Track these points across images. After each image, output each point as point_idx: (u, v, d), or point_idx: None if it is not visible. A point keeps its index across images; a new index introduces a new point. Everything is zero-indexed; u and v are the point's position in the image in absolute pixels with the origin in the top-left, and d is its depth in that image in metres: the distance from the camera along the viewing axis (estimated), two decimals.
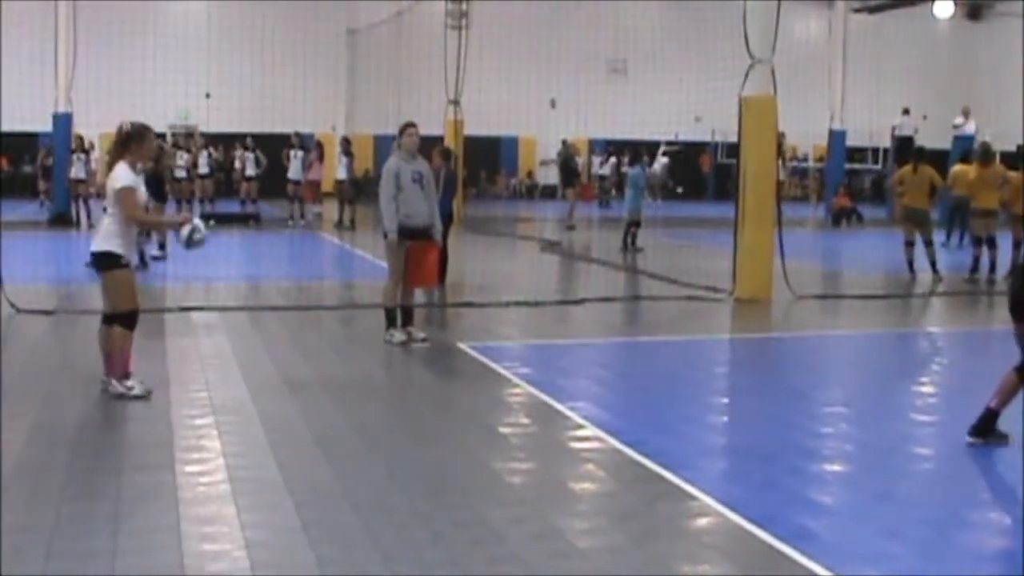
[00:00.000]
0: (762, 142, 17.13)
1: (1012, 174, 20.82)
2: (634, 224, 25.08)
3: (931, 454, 9.17)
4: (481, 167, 44.93)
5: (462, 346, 13.10)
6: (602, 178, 44.41)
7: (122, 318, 10.15)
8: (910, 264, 20.70)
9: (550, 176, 45.09)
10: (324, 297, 17.17)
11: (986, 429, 9.16)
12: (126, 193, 10.01)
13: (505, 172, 47.87)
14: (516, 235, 29.63)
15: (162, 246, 21.11)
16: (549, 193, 44.89)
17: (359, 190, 32.28)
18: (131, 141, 10.20)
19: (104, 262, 10.11)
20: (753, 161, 17.12)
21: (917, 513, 7.63)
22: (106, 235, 10.11)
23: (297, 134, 32.02)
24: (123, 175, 10.09)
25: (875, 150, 41.27)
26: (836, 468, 8.76)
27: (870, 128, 38.64)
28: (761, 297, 16.83)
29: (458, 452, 8.81)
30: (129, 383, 10.17)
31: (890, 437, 9.56)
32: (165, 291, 17.37)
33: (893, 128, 36.92)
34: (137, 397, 10.07)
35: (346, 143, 31.13)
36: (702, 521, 7.30)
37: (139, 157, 10.39)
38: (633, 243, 25.05)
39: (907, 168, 21.63)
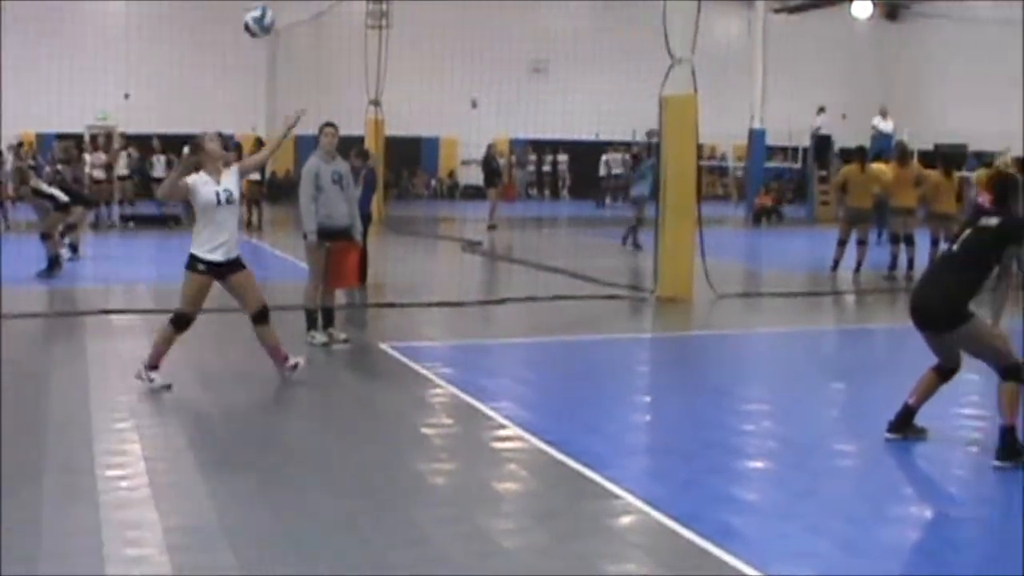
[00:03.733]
0: (682, 141, 17.18)
1: (929, 173, 21.08)
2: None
3: (852, 450, 9.23)
4: (402, 167, 44.78)
5: (384, 347, 13.03)
6: (616, 176, 43.93)
7: (174, 316, 10.75)
8: (836, 263, 20.90)
9: (472, 176, 45.01)
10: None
11: (904, 425, 9.25)
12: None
13: (426, 172, 47.76)
14: (438, 235, 29.56)
15: (74, 248, 20.88)
16: (471, 193, 44.83)
17: (278, 191, 31.99)
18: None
19: (187, 262, 10.63)
20: (673, 160, 17.18)
21: (839, 509, 7.68)
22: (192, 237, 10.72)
23: (219, 135, 31.66)
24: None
25: (795, 149, 41.60)
26: (759, 465, 8.81)
27: (790, 127, 38.93)
28: (682, 296, 16.88)
29: (381, 453, 8.76)
30: (153, 375, 10.60)
31: (811, 434, 9.63)
32: (85, 293, 17.16)
33: (817, 128, 37.30)
34: (161, 387, 10.54)
35: (259, 144, 30.80)
36: (626, 519, 7.30)
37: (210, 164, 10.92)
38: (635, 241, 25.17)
39: (852, 168, 21.85)
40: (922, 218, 21.41)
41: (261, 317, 10.89)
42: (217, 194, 10.59)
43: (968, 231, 9.01)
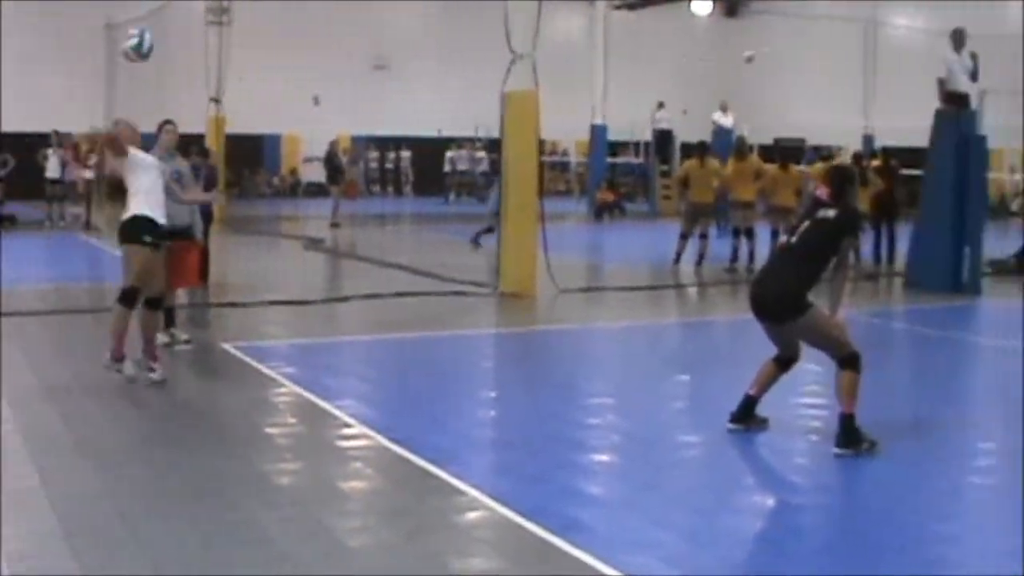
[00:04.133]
0: (524, 137, 17.22)
1: (768, 167, 21.45)
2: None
3: (695, 441, 9.33)
4: (244, 165, 44.21)
5: (226, 347, 12.85)
6: (462, 173, 43.55)
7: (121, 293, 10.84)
8: (678, 256, 21.14)
9: (314, 174, 44.63)
10: (84, 300, 16.62)
11: (746, 415, 9.38)
12: None
13: (268, 170, 47.22)
14: (280, 234, 29.26)
15: None
16: (313, 191, 44.46)
17: (115, 190, 31.18)
18: None
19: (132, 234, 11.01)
20: (515, 156, 17.21)
21: (683, 500, 7.77)
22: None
23: (56, 132, 31.00)
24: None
25: (636, 144, 42.05)
26: (604, 459, 8.86)
27: (631, 123, 39.34)
28: (526, 291, 16.92)
29: (224, 454, 8.62)
30: (121, 365, 10.79)
31: (655, 426, 9.72)
32: None
33: (658, 123, 37.73)
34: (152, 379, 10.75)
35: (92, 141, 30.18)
36: (472, 515, 7.28)
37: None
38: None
39: (693, 162, 22.13)
40: (762, 211, 21.79)
41: (155, 303, 10.97)
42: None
43: (806, 223, 9.15)
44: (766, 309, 9.11)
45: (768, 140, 37.58)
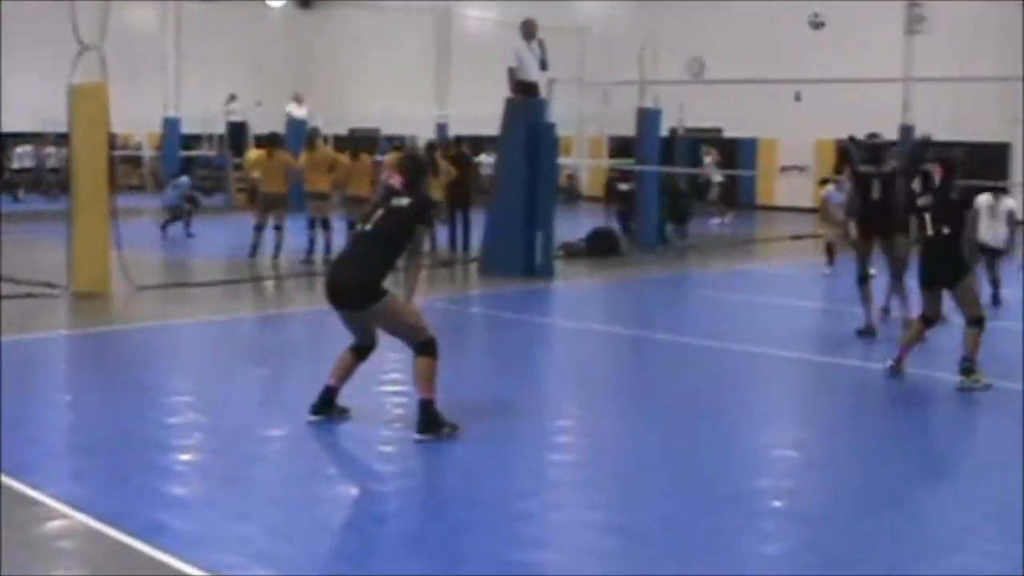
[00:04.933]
0: (92, 130, 16.70)
1: (342, 157, 21.59)
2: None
3: (278, 435, 9.31)
4: None
5: None
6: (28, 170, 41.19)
7: None
8: (254, 249, 20.96)
9: None
10: None
11: (327, 406, 9.43)
12: None
13: None
14: None
15: None
16: None
17: None
18: None
19: None
20: (83, 150, 16.67)
21: (267, 494, 7.75)
22: None
23: None
24: None
25: (210, 137, 41.49)
26: (185, 457, 8.71)
27: (205, 115, 38.80)
28: (100, 290, 16.40)
29: None
30: None
31: (236, 422, 9.65)
32: None
33: (230, 115, 37.35)
34: None
35: None
36: (52, 525, 7.02)
37: None
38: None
39: (262, 154, 21.98)
40: (338, 202, 21.91)
41: None
42: None
43: (381, 211, 9.26)
44: (342, 297, 9.17)
45: (343, 131, 37.83)
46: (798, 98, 33.56)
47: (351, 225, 20.37)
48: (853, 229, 14.36)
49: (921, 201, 11.63)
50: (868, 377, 12.30)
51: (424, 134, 36.11)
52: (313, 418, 9.38)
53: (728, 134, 37.81)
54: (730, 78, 33.36)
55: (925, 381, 11.87)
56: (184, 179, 27.43)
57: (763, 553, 6.92)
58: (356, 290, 9.06)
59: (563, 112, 23.41)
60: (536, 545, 6.93)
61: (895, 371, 11.70)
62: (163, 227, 25.40)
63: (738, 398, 11.44)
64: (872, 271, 14.50)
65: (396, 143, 34.71)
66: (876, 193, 14.04)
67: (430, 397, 9.03)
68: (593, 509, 7.67)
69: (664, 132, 27.14)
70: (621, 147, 30.86)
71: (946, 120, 29.06)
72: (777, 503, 7.89)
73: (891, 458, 9.16)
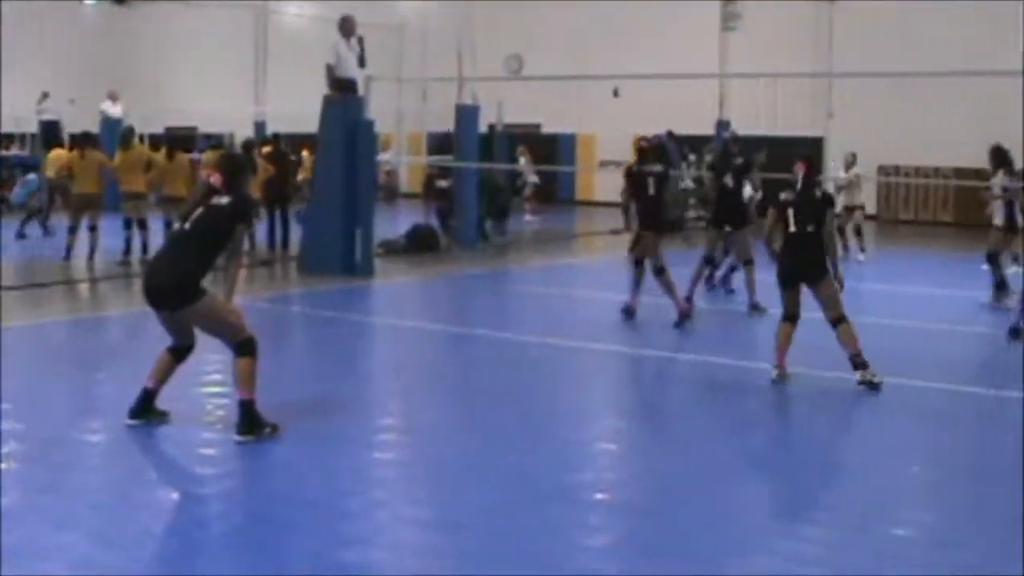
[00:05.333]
0: None
1: (157, 156, 21.28)
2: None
3: (95, 440, 9.18)
4: None
5: None
6: None
7: None
8: (68, 250, 20.52)
9: None
10: None
11: (146, 409, 9.33)
12: None
13: None
14: None
15: None
16: None
17: None
18: None
19: None
20: None
21: (86, 500, 7.63)
22: None
23: None
24: None
25: (23, 136, 40.46)
26: (1, 467, 8.52)
27: (17, 114, 37.79)
28: None
29: None
30: None
31: (53, 427, 9.45)
32: None
33: (42, 113, 36.48)
34: None
35: None
36: None
37: None
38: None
39: (73, 155, 21.54)
40: (154, 202, 21.57)
41: None
42: None
43: (200, 210, 9.19)
44: (160, 296, 9.07)
45: (160, 129, 37.24)
46: (616, 94, 33.96)
47: (168, 225, 20.12)
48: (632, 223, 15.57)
49: (783, 196, 11.60)
50: (679, 368, 12.60)
51: (242, 132, 35.69)
52: (132, 422, 9.27)
53: (547, 130, 38.19)
54: (548, 74, 33.65)
55: (745, 373, 12.18)
56: (32, 176, 26.96)
57: (587, 545, 7.03)
58: (174, 289, 8.97)
59: (382, 109, 23.39)
60: (362, 543, 6.94)
61: (781, 378, 11.44)
62: (21, 227, 24.84)
63: (558, 392, 11.61)
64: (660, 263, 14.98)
65: (214, 141, 34.30)
66: (651, 189, 15.08)
67: (251, 397, 8.99)
68: (417, 505, 7.73)
69: (483, 129, 27.26)
70: (440, 144, 30.91)
71: (763, 116, 29.76)
72: (599, 496, 8.04)
73: (709, 448, 9.36)
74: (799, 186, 11.55)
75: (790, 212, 11.43)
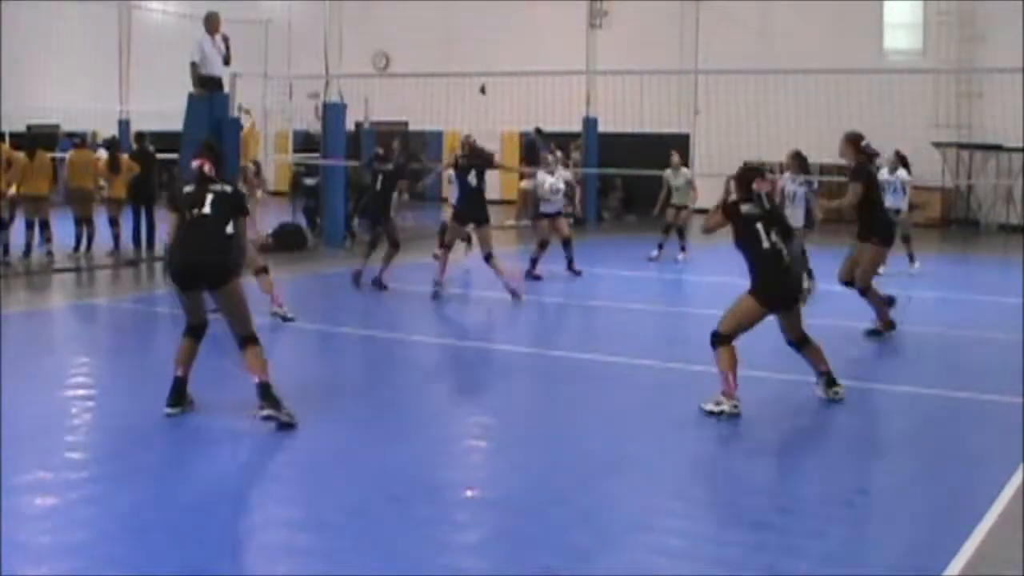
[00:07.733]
0: None
1: (18, 155, 20.89)
2: None
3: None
4: None
5: None
6: None
7: None
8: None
9: None
10: None
11: (181, 397, 9.70)
12: None
13: None
14: None
15: None
16: None
17: None
18: None
19: None
20: None
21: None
22: None
23: None
24: None
25: None
26: None
27: None
28: None
29: None
30: None
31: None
32: None
33: None
34: None
35: None
36: None
37: None
38: None
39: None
40: (16, 201, 21.21)
41: None
42: None
43: (210, 195, 9.50)
44: (204, 273, 9.41)
45: (21, 127, 36.54)
46: (483, 91, 34.03)
47: (29, 226, 19.83)
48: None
49: (745, 209, 10.30)
50: (546, 362, 12.71)
51: (106, 130, 35.19)
52: (171, 411, 9.57)
53: (414, 127, 38.13)
54: (415, 72, 33.63)
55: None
56: None
57: (457, 542, 7.04)
58: (220, 266, 9.35)
59: (248, 106, 23.23)
60: (230, 548, 6.92)
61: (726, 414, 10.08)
62: None
63: (426, 389, 11.67)
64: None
65: (77, 140, 33.78)
66: (474, 182, 17.16)
67: (267, 379, 9.37)
68: (285, 505, 7.69)
69: (350, 126, 27.19)
70: (307, 141, 30.75)
71: (630, 113, 30.10)
72: (469, 492, 8.08)
73: (580, 443, 9.42)
74: (764, 202, 10.23)
75: (759, 227, 10.19)
